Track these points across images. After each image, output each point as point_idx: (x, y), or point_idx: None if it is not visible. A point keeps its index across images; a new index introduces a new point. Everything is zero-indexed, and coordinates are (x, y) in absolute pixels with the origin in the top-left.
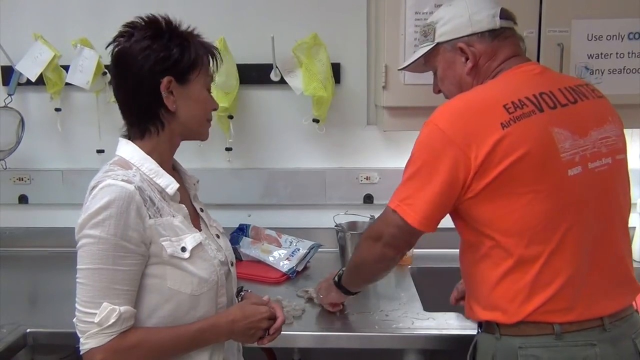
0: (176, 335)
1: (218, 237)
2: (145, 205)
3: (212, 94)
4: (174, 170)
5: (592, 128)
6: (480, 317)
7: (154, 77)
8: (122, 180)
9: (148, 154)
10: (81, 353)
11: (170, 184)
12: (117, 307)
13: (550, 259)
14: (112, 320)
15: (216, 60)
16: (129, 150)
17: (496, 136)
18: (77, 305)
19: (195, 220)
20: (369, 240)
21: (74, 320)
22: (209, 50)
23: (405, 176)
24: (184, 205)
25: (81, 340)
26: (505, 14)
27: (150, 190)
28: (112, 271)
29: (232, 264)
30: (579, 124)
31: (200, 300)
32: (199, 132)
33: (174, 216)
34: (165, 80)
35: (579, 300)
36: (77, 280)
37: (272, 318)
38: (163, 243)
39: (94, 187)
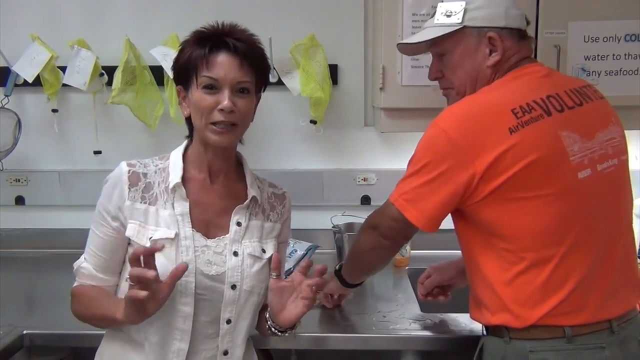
0: (98, 294)
1: (235, 254)
2: (130, 188)
3: (225, 93)
4: (236, 177)
5: (598, 130)
6: (490, 321)
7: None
8: (127, 162)
9: (190, 155)
10: None
11: (173, 179)
12: (83, 262)
13: (562, 261)
14: (74, 268)
15: (215, 48)
16: (177, 147)
17: (504, 143)
18: None
19: (220, 229)
20: (367, 229)
21: None
22: (202, 45)
23: (407, 173)
24: (187, 203)
25: None
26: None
27: (156, 178)
28: (93, 233)
29: (233, 287)
30: (586, 126)
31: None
32: (205, 137)
33: (165, 208)
34: (178, 89)
35: (590, 302)
36: None
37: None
38: (129, 224)
39: None
